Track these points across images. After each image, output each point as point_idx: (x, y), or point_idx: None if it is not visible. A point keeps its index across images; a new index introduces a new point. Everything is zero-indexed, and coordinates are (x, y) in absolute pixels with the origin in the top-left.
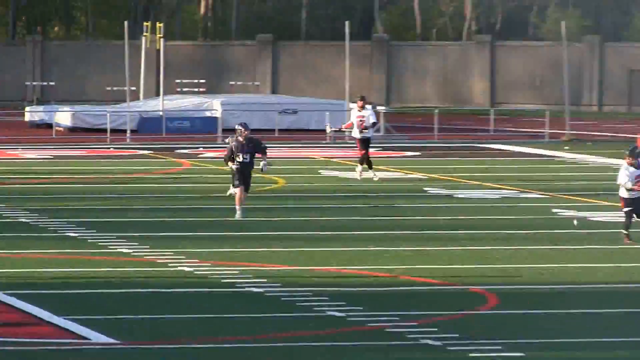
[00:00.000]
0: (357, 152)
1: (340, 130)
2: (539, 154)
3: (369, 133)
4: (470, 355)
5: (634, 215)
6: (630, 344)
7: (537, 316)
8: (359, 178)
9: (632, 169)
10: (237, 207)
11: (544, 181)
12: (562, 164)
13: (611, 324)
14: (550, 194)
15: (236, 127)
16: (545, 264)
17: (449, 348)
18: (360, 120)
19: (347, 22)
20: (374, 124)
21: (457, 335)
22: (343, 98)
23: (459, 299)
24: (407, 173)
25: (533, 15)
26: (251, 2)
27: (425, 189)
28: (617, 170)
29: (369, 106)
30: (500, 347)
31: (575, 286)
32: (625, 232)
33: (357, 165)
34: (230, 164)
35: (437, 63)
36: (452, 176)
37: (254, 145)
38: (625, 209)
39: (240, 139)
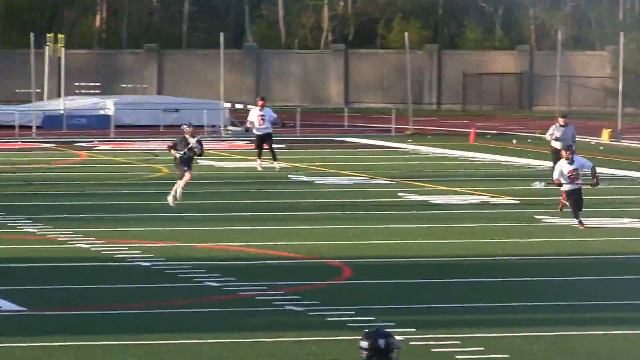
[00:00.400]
0: (238, 145)
1: (247, 130)
2: (386, 146)
3: (269, 129)
4: (328, 319)
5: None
6: (465, 309)
7: (387, 285)
8: (259, 169)
9: (566, 164)
10: (179, 190)
11: (390, 169)
12: (406, 154)
13: (451, 291)
14: (396, 180)
15: (183, 127)
16: (392, 240)
17: (310, 313)
18: (262, 119)
19: (221, 33)
20: (276, 118)
21: (318, 302)
22: (218, 99)
23: (319, 271)
24: (273, 162)
25: (381, 27)
26: (140, 16)
27: (290, 176)
28: (453, 159)
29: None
30: (353, 312)
31: (419, 259)
32: (577, 220)
33: (257, 159)
34: (173, 152)
35: (299, 68)
36: (312, 165)
37: (199, 147)
38: (567, 201)
39: (187, 136)
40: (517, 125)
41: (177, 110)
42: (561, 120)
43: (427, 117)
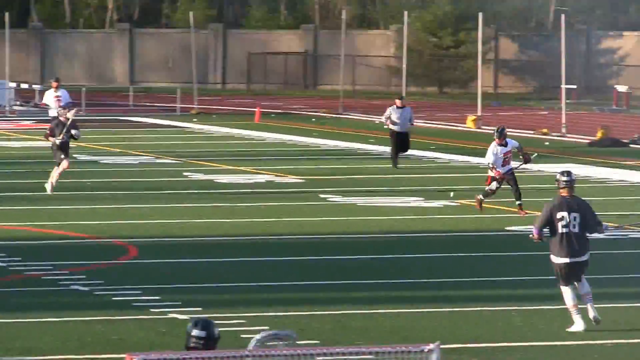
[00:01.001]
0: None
1: (39, 106)
2: (171, 125)
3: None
4: (114, 299)
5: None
6: (250, 288)
7: (172, 264)
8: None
9: (500, 147)
10: (53, 182)
11: (176, 149)
12: (191, 133)
13: (238, 269)
14: (182, 159)
15: (57, 110)
16: (178, 219)
17: (95, 293)
18: (57, 100)
19: (7, 13)
20: (69, 102)
21: (103, 281)
22: (3, 78)
23: (104, 250)
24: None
25: (166, 6)
26: None
27: (75, 155)
28: (238, 138)
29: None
30: (139, 292)
31: (204, 238)
32: (482, 197)
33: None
34: (51, 139)
35: (84, 48)
36: (98, 145)
37: (73, 125)
38: (493, 186)
39: (62, 119)
40: (302, 104)
41: None
42: (398, 102)
43: (212, 97)
